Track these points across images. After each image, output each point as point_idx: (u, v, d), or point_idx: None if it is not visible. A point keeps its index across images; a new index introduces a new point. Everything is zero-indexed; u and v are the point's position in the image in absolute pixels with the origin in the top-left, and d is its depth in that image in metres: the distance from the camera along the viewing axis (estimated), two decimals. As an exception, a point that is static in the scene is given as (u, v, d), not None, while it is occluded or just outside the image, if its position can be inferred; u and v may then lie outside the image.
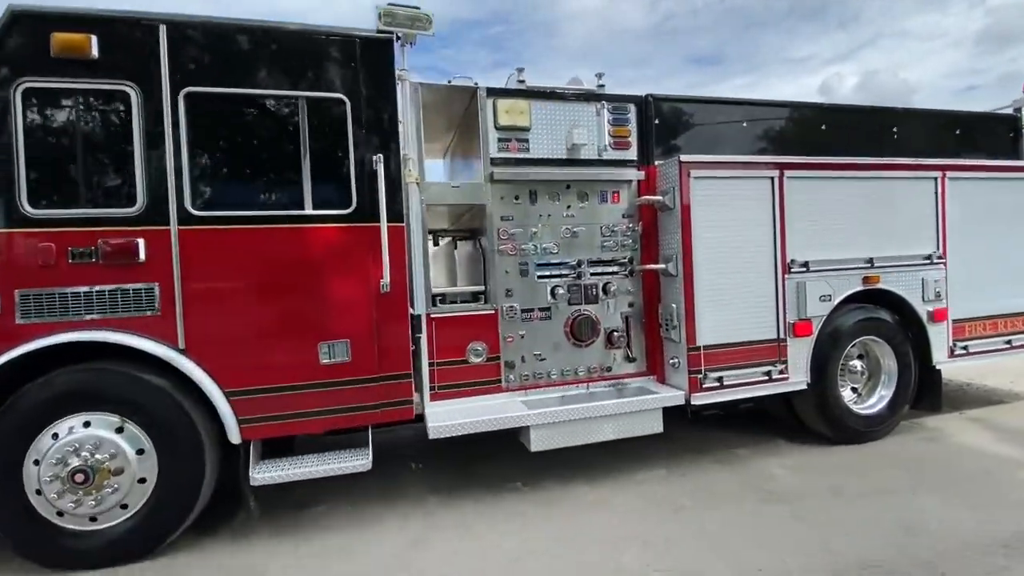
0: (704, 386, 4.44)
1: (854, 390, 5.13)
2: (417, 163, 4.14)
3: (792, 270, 4.67)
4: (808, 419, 4.96)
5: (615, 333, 4.66)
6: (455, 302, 4.48)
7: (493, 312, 4.38)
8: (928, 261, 5.09)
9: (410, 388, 3.94)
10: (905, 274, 5.01)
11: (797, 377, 4.71)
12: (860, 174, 4.87)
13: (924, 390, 5.22)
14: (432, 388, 4.22)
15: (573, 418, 4.15)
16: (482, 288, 4.47)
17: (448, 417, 3.99)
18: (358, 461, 3.69)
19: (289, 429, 3.67)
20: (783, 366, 4.66)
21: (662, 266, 4.59)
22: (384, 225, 3.73)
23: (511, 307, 4.43)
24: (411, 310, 4.08)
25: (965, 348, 5.26)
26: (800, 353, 4.74)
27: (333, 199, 3.72)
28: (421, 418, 4.07)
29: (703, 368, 4.44)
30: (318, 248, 3.70)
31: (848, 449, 4.85)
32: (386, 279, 3.73)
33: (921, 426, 5.38)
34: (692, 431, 5.35)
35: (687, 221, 4.38)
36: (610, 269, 4.71)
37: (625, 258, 4.72)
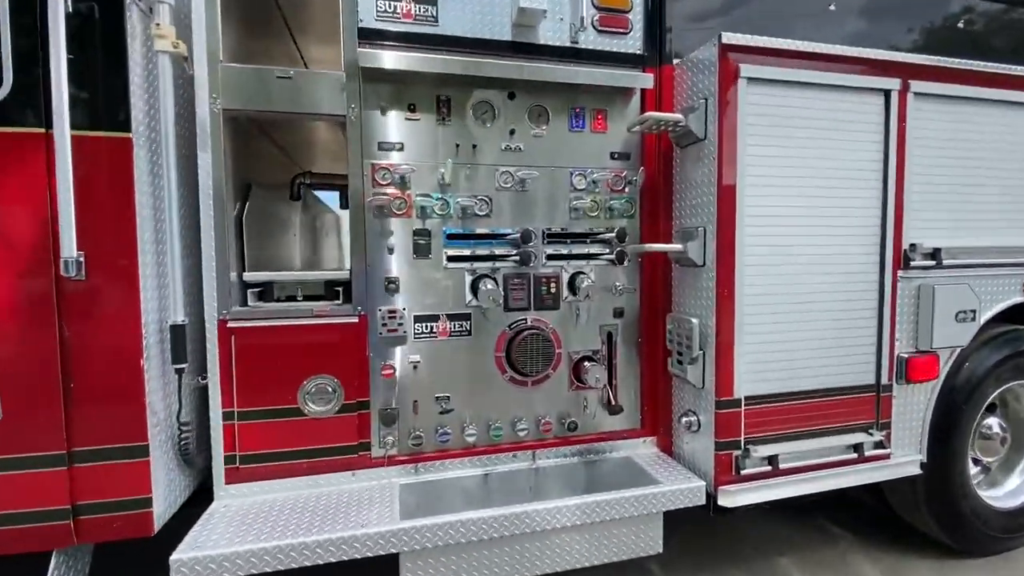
0: (743, 470, 2.42)
1: (976, 462, 3.08)
2: (190, 20, 2.08)
3: (912, 263, 2.60)
4: (911, 515, 2.95)
5: (587, 363, 2.63)
6: (289, 299, 2.46)
7: (358, 320, 2.36)
8: None
9: (144, 475, 1.95)
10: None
11: (904, 453, 2.68)
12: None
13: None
14: (230, 462, 2.24)
15: (491, 535, 2.15)
16: (343, 274, 2.44)
17: (229, 533, 1.99)
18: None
19: None
20: (883, 434, 2.63)
21: (678, 247, 2.52)
22: (64, 134, 1.69)
23: (394, 313, 2.41)
24: (173, 317, 2.07)
25: None
26: (912, 410, 2.70)
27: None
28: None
29: (743, 438, 2.42)
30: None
31: (977, 566, 2.85)
32: (70, 249, 1.70)
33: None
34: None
35: (729, 165, 2.31)
36: (584, 249, 2.66)
37: (611, 231, 2.66)
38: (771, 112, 2.38)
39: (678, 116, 2.41)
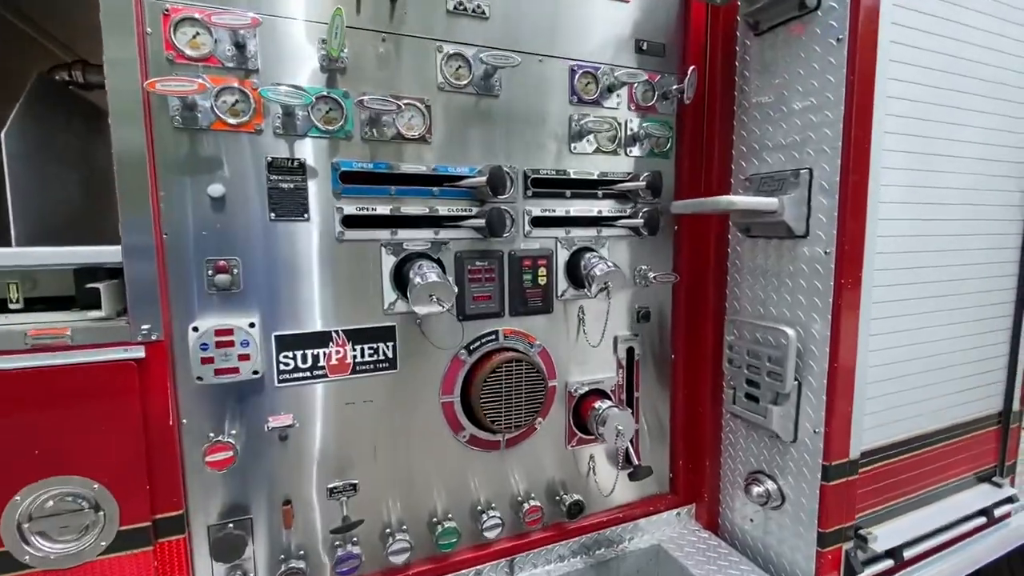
0: (859, 574, 1.49)
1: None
2: None
3: (1066, 235, 1.76)
4: None
5: (599, 402, 1.55)
6: (-31, 313, 1.12)
7: (144, 355, 1.08)
8: None
9: None
10: None
11: (1028, 502, 1.90)
12: None
13: None
14: None
15: None
16: (107, 254, 1.12)
17: None
18: None
19: None
20: (1008, 480, 1.82)
21: (769, 202, 1.44)
22: None
23: (227, 332, 1.15)
24: None
25: None
26: (1040, 444, 1.92)
27: None
28: None
29: (856, 520, 1.48)
30: None
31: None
32: None
33: None
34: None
35: (867, 57, 1.27)
36: (592, 208, 1.54)
37: (635, 178, 1.55)
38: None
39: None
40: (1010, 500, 1.79)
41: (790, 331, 1.42)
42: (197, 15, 1.08)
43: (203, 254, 1.14)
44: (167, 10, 1.07)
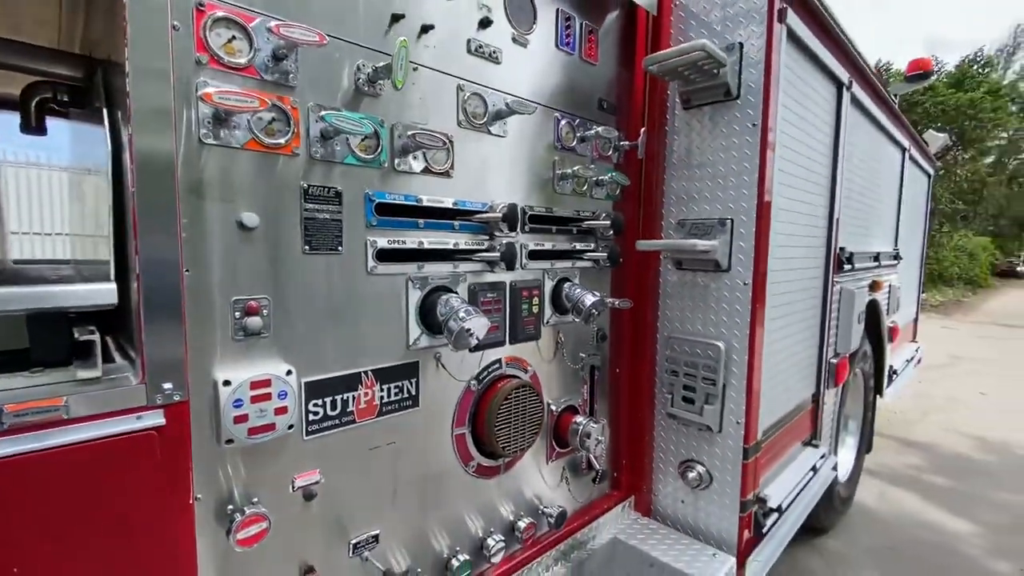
0: (764, 528, 1.94)
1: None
2: None
3: (843, 268, 2.56)
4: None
5: (577, 417, 1.72)
6: None
7: (164, 422, 0.87)
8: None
9: None
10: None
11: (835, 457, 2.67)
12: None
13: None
14: None
15: None
16: (101, 292, 0.87)
17: None
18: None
19: None
20: (819, 443, 2.55)
21: (705, 244, 1.79)
22: None
23: (265, 384, 0.99)
24: None
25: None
26: (828, 417, 2.71)
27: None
28: None
29: (759, 491, 1.93)
30: None
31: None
32: None
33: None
34: None
35: (770, 136, 1.72)
36: (568, 244, 1.71)
37: (595, 216, 1.78)
38: (791, 78, 1.90)
39: (720, 55, 1.67)
40: (823, 457, 2.51)
41: (720, 344, 1.80)
42: (237, 17, 0.93)
43: (230, 293, 0.96)
44: (202, 4, 0.90)
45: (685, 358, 1.88)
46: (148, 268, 0.85)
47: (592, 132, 1.69)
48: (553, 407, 1.70)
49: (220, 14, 0.92)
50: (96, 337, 0.83)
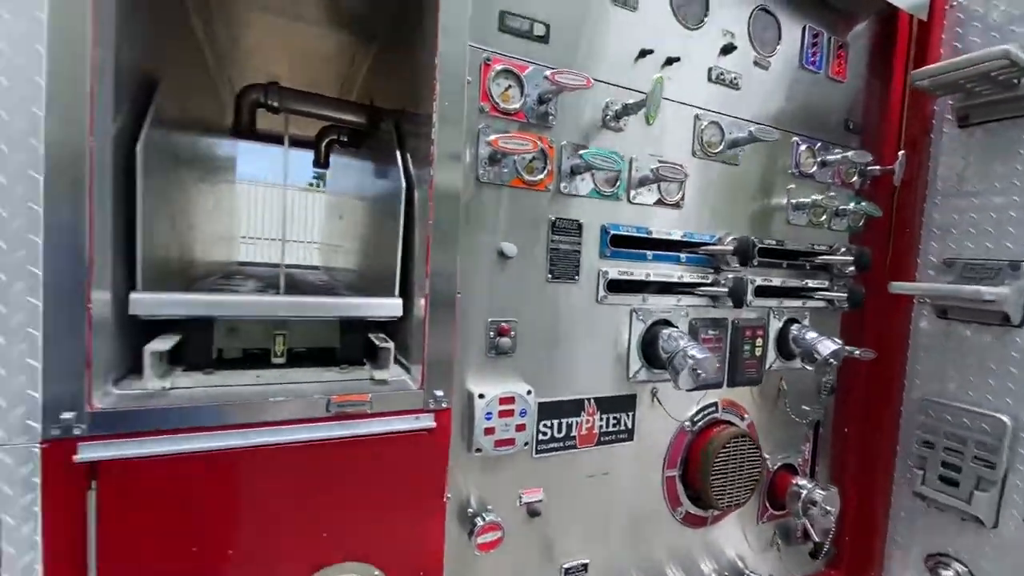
0: (1059, 671, 1.47)
1: None
2: None
3: None
4: None
5: (796, 480, 1.52)
6: (245, 360, 1.00)
7: (435, 424, 0.98)
8: None
9: None
10: None
11: None
12: None
13: None
14: None
15: None
16: (386, 306, 1.03)
17: None
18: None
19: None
20: None
21: (992, 293, 1.46)
22: None
23: (510, 400, 1.06)
24: None
25: None
26: None
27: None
28: None
29: (1059, 615, 1.47)
30: None
31: None
32: None
33: None
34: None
35: None
36: (800, 280, 1.54)
37: (835, 250, 1.56)
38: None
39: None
40: None
41: (1005, 418, 1.43)
42: (514, 68, 1.04)
43: (487, 314, 1.06)
44: (488, 59, 1.02)
45: (947, 428, 1.53)
46: (435, 288, 0.98)
47: (837, 156, 1.50)
48: (769, 463, 1.53)
49: (501, 67, 1.04)
50: (390, 345, 0.99)
